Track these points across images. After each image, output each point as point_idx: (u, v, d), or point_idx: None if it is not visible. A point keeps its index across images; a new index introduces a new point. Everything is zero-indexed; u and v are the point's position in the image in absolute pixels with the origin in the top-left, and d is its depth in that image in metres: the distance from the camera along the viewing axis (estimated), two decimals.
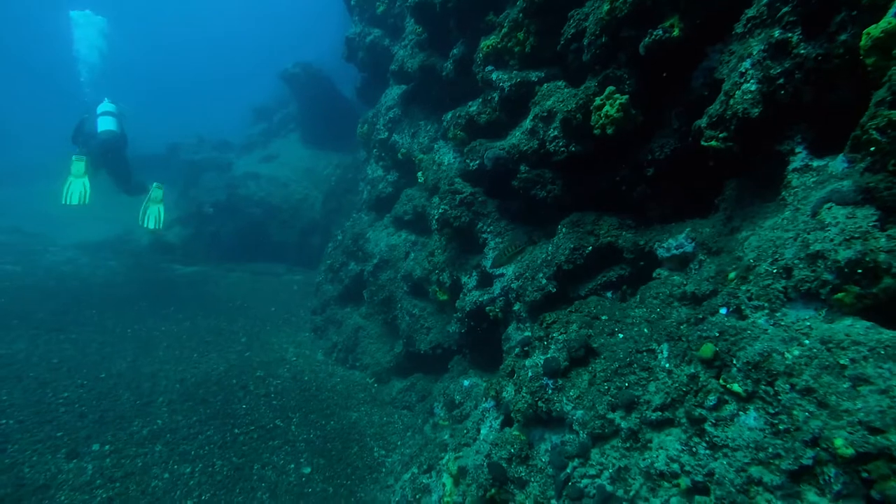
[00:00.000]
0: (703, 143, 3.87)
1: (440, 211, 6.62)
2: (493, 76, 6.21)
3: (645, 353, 3.52)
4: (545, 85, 5.60)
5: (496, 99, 6.23)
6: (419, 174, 8.14)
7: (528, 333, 5.68)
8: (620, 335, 4.00)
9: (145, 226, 12.06)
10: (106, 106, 11.92)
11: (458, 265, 6.93)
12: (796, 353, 2.60)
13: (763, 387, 2.68)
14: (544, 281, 5.51)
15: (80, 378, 8.39)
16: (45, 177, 11.73)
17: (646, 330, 3.76)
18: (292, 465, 6.81)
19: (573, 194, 5.63)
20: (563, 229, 5.47)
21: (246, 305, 12.09)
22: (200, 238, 16.11)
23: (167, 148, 22.23)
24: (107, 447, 6.79)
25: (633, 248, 5.08)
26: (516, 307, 5.93)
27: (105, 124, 11.50)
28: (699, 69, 4.31)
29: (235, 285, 13.54)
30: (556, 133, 5.09)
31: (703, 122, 3.87)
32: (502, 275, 6.21)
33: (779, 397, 2.58)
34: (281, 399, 8.16)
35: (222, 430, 7.25)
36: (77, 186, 11.12)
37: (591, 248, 5.24)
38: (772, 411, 2.59)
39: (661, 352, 3.41)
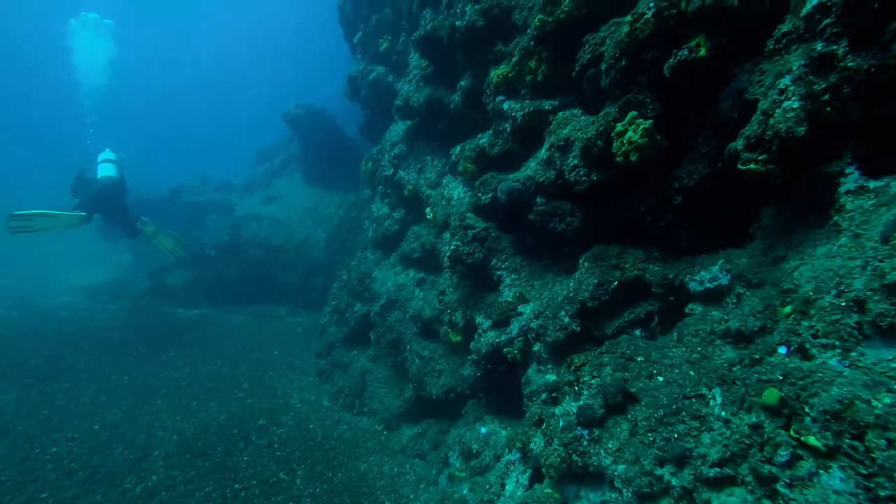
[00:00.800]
0: (740, 166, 3.58)
1: (452, 247, 6.31)
2: (505, 106, 5.99)
3: (694, 399, 3.14)
4: (560, 113, 5.37)
5: (508, 129, 5.99)
6: (427, 210, 7.87)
7: (550, 377, 5.29)
8: (660, 378, 3.63)
9: (177, 257, 12.16)
10: (107, 154, 11.91)
11: (471, 304, 6.58)
12: (888, 400, 2.23)
13: (848, 441, 2.31)
14: (567, 319, 5.15)
15: (72, 431, 7.95)
16: None
17: (691, 372, 3.39)
18: None
19: (594, 226, 5.33)
20: (586, 264, 5.14)
21: (248, 349, 11.68)
22: (202, 281, 15.80)
23: (170, 190, 22.16)
24: None
25: (662, 282, 4.74)
26: (536, 348, 5.56)
27: (105, 171, 11.41)
28: (727, 90, 4.05)
29: (237, 329, 13.15)
30: (575, 162, 4.82)
31: (738, 144, 3.59)
32: (520, 313, 5.86)
33: (872, 455, 2.20)
34: (285, 449, 7.69)
35: (222, 486, 6.76)
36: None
37: (616, 282, 4.91)
38: (864, 472, 2.21)
39: (713, 397, 3.03)
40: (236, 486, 6.78)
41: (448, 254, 6.37)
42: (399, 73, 10.25)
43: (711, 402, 3.02)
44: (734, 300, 4.12)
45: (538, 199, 5.56)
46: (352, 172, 17.57)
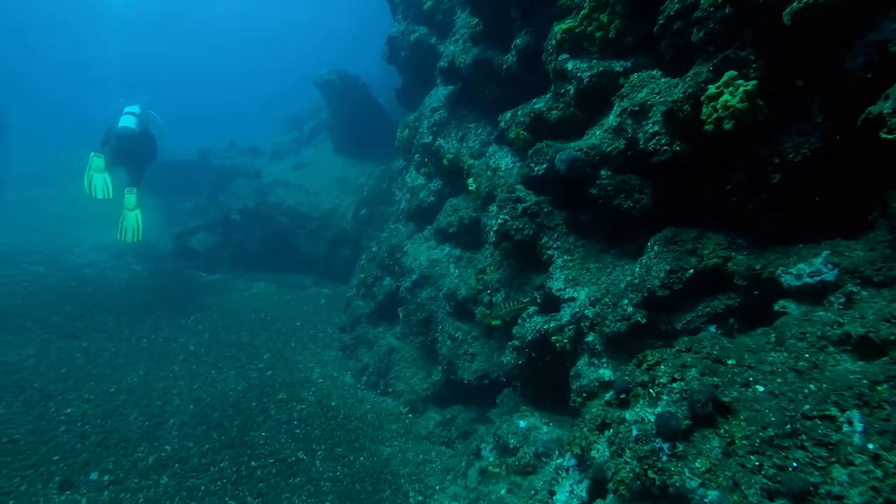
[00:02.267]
0: (883, 135, 2.90)
1: (499, 221, 5.71)
2: (569, 66, 5.31)
3: (818, 421, 2.53)
4: (635, 75, 4.68)
5: (571, 92, 5.32)
6: (469, 181, 7.25)
7: (605, 371, 4.72)
8: (760, 387, 3.01)
9: (121, 240, 10.90)
10: (131, 108, 11.61)
11: (515, 285, 6.00)
12: None
13: None
14: (630, 309, 4.53)
15: (88, 392, 7.64)
16: (73, 178, 11.19)
17: (811, 385, 2.76)
18: None
19: (666, 205, 4.67)
20: (655, 247, 4.50)
21: (270, 319, 11.28)
22: (226, 245, 15.44)
23: (198, 153, 21.85)
24: (106, 477, 5.96)
25: (747, 274, 4.09)
26: (590, 338, 4.96)
27: (124, 122, 11.13)
28: (861, 45, 3.33)
29: (259, 297, 12.78)
30: (655, 129, 4.15)
31: (885, 107, 2.90)
32: (572, 298, 5.25)
33: None
34: (305, 427, 7.27)
35: (238, 462, 6.37)
36: (98, 180, 10.50)
37: (692, 270, 4.27)
38: None
39: (850, 422, 2.42)
40: (252, 463, 6.38)
41: (495, 228, 5.78)
42: (443, 34, 9.55)
43: (846, 428, 2.41)
44: (841, 300, 3.46)
45: (602, 172, 4.91)
46: (383, 141, 16.95)
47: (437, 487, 6.35)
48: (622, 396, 3.55)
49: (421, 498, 6.18)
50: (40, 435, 6.64)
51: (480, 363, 7.16)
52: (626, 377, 3.58)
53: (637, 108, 4.48)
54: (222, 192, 17.74)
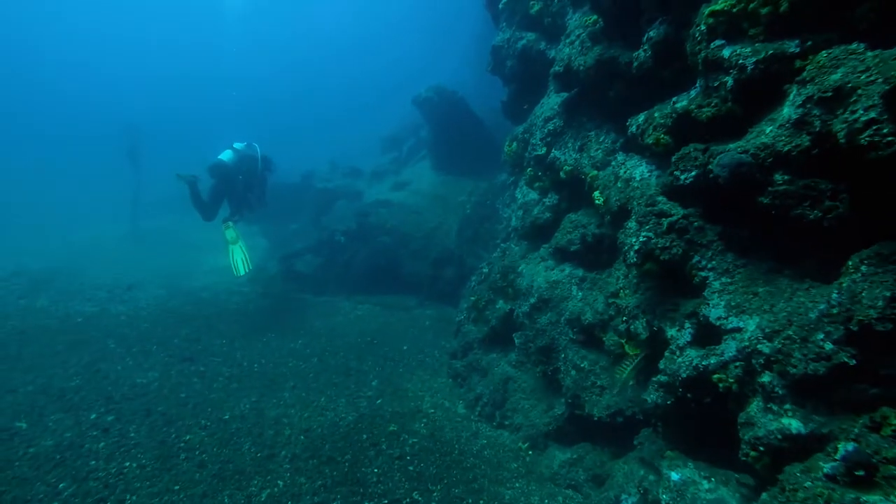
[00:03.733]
0: None
1: (642, 239, 4.93)
2: (726, 52, 4.48)
3: None
4: (823, 53, 3.79)
5: (730, 84, 4.47)
6: (595, 194, 6.50)
7: (790, 421, 3.81)
8: None
9: (236, 274, 11.56)
10: (238, 144, 12.28)
11: (659, 312, 5.17)
12: None
13: None
14: (829, 346, 3.60)
15: (205, 418, 7.64)
16: (188, 207, 11.74)
17: None
18: None
19: (868, 215, 3.72)
20: (863, 268, 3.56)
21: (376, 342, 11.03)
22: (331, 267, 15.57)
23: (301, 177, 22.55)
24: None
25: None
26: (765, 379, 4.05)
27: (222, 155, 11.70)
28: None
29: (365, 319, 12.63)
30: (871, 116, 3.24)
31: None
32: (738, 329, 4.36)
33: None
34: (418, 464, 6.77)
35: (350, 502, 5.96)
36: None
37: None
38: None
39: None
40: (366, 503, 5.94)
41: (636, 247, 5.00)
42: (553, 38, 8.92)
43: None
44: None
45: (777, 177, 4.03)
46: (484, 157, 16.52)
47: None
48: (857, 473, 2.68)
49: None
50: (164, 462, 6.65)
51: (612, 398, 6.35)
52: (866, 450, 2.70)
53: (830, 94, 3.59)
54: (325, 215, 18.04)
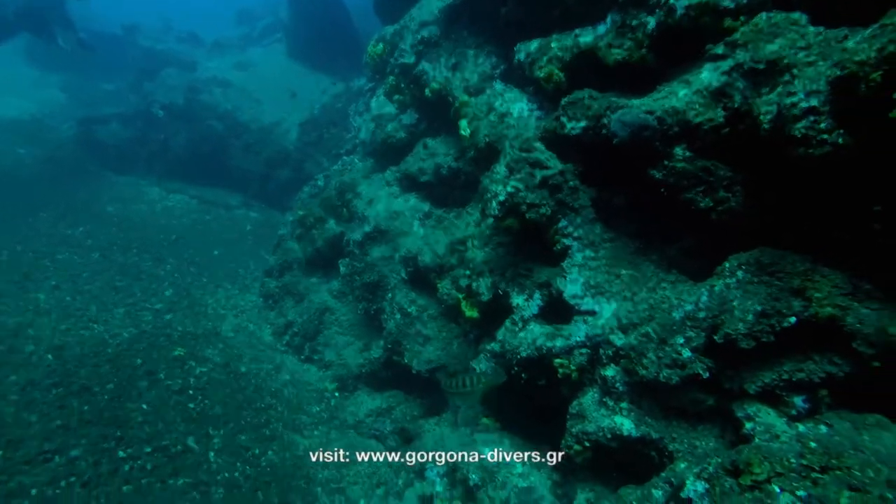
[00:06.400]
0: None
1: (509, 189, 4.16)
2: None
3: None
4: (763, 15, 3.16)
5: (650, 26, 3.74)
6: (462, 123, 5.60)
7: (623, 421, 3.45)
8: None
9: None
10: None
11: (509, 274, 4.54)
12: None
13: None
14: (687, 353, 3.21)
15: None
16: None
17: None
18: None
19: (761, 215, 3.29)
20: (739, 273, 3.14)
21: (182, 242, 9.36)
22: (144, 144, 13.02)
23: (123, 28, 18.60)
24: None
25: (875, 339, 2.82)
26: (609, 372, 3.64)
27: None
28: None
29: (174, 212, 10.72)
30: (811, 104, 2.67)
31: None
32: (592, 312, 3.87)
33: None
34: (202, 401, 5.67)
35: (97, 450, 4.69)
36: None
37: (794, 319, 2.95)
38: None
39: None
40: (120, 453, 4.73)
41: (501, 198, 4.23)
42: None
43: None
44: None
45: (677, 150, 3.45)
46: (345, 55, 14.72)
47: None
48: None
49: None
50: None
51: (435, 351, 5.77)
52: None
53: (762, 66, 3.00)
54: (148, 81, 14.99)
